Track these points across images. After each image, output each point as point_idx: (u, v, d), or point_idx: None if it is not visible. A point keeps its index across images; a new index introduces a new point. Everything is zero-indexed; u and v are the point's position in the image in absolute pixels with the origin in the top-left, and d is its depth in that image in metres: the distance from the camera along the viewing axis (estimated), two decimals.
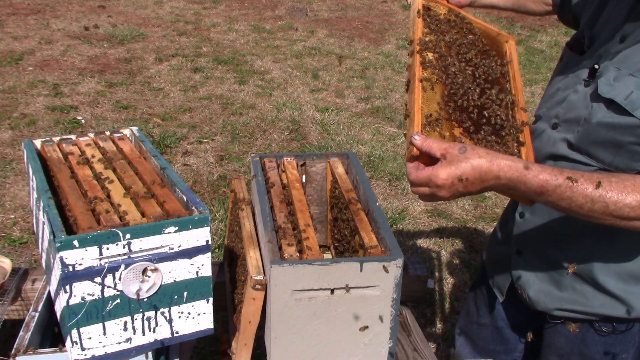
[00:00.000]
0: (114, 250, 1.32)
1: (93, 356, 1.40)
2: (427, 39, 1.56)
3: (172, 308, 1.44)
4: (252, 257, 1.55)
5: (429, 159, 1.30)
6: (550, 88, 1.63)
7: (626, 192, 1.22)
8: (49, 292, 1.66)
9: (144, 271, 1.37)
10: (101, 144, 1.79)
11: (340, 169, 1.85)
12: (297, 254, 1.46)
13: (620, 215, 1.24)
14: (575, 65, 1.53)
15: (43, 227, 1.50)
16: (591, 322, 1.64)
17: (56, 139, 1.80)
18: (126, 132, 1.87)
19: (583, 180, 1.24)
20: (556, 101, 1.56)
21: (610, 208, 1.23)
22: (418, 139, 1.29)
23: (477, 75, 1.55)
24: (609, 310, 1.58)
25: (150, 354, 1.49)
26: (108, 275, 1.33)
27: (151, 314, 1.42)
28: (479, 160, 1.23)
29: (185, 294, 1.44)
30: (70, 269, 1.29)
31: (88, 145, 1.78)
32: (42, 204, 1.47)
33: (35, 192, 1.62)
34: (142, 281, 1.37)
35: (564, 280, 1.63)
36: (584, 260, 1.57)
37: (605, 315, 1.60)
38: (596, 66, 1.43)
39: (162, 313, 1.44)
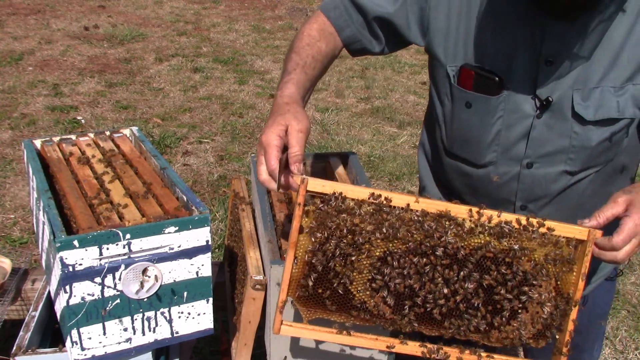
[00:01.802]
0: (114, 250, 1.32)
1: (93, 356, 1.40)
2: None
3: (172, 308, 1.44)
4: (252, 257, 1.55)
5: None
6: (481, 132, 1.52)
7: None
8: (49, 292, 1.66)
9: (144, 271, 1.37)
10: (101, 144, 1.79)
11: (340, 169, 1.85)
12: None
13: None
14: (506, 102, 1.46)
15: (43, 227, 1.50)
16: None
17: (56, 139, 1.81)
18: (126, 132, 1.87)
19: None
20: (510, 142, 1.50)
21: None
22: (593, 222, 1.23)
23: None
24: None
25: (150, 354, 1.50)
26: (108, 275, 1.33)
27: (151, 314, 1.42)
28: None
29: (185, 294, 1.44)
30: (70, 269, 1.29)
31: (88, 145, 1.78)
32: (42, 204, 1.47)
33: (35, 192, 1.62)
34: (142, 281, 1.37)
35: None
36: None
37: None
38: (550, 98, 1.42)
39: (162, 313, 1.44)
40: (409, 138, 5.20)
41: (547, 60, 1.40)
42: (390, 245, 1.21)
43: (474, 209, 1.23)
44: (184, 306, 1.45)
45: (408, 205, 1.22)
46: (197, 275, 1.44)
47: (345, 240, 1.20)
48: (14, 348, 1.49)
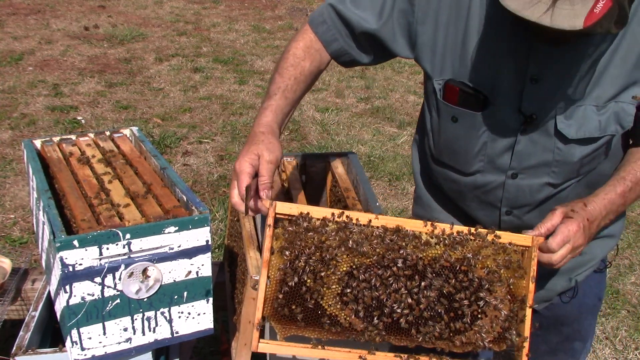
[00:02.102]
0: (114, 250, 1.32)
1: (93, 356, 1.40)
2: None
3: (172, 308, 1.44)
4: (252, 257, 1.55)
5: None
6: (467, 144, 1.54)
7: None
8: (49, 292, 1.66)
9: (144, 271, 1.37)
10: (101, 144, 1.79)
11: (340, 169, 1.85)
12: None
13: None
14: (491, 118, 1.48)
15: (43, 227, 1.50)
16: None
17: (56, 139, 1.81)
18: (126, 132, 1.87)
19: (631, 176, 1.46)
20: (496, 154, 1.52)
21: None
22: (535, 232, 1.36)
23: None
24: (606, 249, 1.72)
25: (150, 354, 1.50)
26: (108, 275, 1.33)
27: (151, 314, 1.42)
28: (590, 205, 1.39)
29: (185, 294, 1.44)
30: (70, 269, 1.29)
31: (88, 145, 1.78)
32: (42, 204, 1.47)
33: (35, 192, 1.62)
34: (142, 281, 1.37)
35: None
36: None
37: (604, 255, 1.74)
38: (534, 116, 1.44)
39: (162, 313, 1.44)
40: (409, 138, 5.20)
41: (532, 78, 1.40)
42: (356, 259, 1.29)
43: (429, 223, 1.33)
44: (184, 306, 1.45)
45: (370, 221, 1.31)
46: (197, 275, 1.44)
47: (314, 257, 1.28)
48: (14, 348, 1.49)
